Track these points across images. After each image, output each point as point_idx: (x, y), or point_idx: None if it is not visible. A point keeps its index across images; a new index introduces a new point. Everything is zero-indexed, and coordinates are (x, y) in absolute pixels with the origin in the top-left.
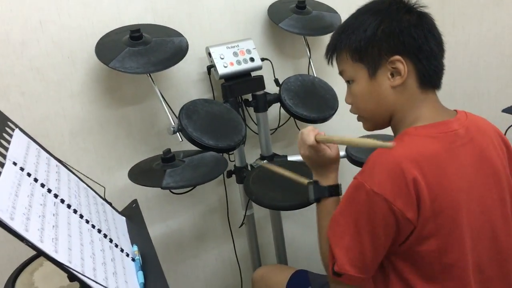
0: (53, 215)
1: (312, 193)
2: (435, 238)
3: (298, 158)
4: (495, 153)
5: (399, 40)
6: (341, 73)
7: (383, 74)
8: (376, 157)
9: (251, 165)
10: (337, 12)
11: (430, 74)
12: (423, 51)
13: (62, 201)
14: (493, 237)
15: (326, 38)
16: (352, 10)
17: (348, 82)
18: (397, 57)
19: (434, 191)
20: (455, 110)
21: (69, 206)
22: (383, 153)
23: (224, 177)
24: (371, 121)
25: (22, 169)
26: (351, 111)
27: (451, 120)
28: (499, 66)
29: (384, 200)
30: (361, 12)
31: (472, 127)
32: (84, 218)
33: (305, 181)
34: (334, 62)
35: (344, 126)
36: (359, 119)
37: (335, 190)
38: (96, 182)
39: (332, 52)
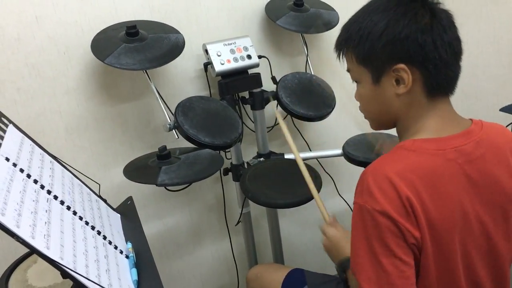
0: (46, 211)
1: (340, 273)
2: (433, 261)
3: (291, 156)
4: (507, 171)
5: (404, 47)
6: (348, 71)
7: (387, 81)
8: (369, 176)
9: (247, 163)
10: (334, 10)
11: (438, 82)
12: (431, 59)
13: (56, 197)
14: (494, 258)
15: (324, 36)
16: (350, 8)
17: (354, 81)
18: (401, 65)
19: (429, 212)
20: (470, 119)
21: (62, 203)
22: (375, 171)
23: (221, 175)
24: (376, 122)
25: (14, 165)
26: (359, 109)
27: (457, 135)
28: (497, 65)
29: (388, 217)
30: (371, 8)
31: (485, 141)
32: (78, 214)
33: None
34: (343, 59)
35: (341, 124)
36: (366, 117)
37: None
38: (91, 179)
39: (340, 49)
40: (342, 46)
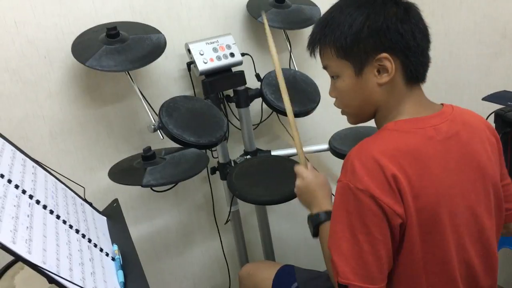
0: (28, 216)
1: (311, 225)
2: (419, 236)
3: (281, 152)
4: (482, 147)
5: (386, 37)
6: (325, 67)
7: (369, 72)
8: (354, 156)
9: (234, 161)
10: (316, 5)
11: (417, 70)
12: (411, 47)
13: (38, 202)
14: (479, 231)
15: (307, 32)
16: (332, 3)
17: (332, 77)
18: (385, 54)
19: (415, 187)
20: (442, 104)
21: (45, 207)
22: (360, 151)
23: (208, 174)
24: (355, 116)
25: None
26: (335, 104)
27: (433, 115)
28: (479, 55)
29: (370, 196)
30: (346, 5)
31: (457, 121)
32: (61, 218)
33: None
34: (317, 56)
35: (327, 119)
36: (343, 113)
37: (330, 214)
38: (76, 183)
39: (315, 46)
40: (317, 42)
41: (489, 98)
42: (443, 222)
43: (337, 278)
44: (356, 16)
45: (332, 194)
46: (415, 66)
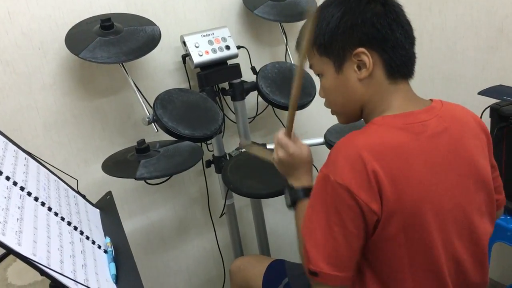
0: (18, 208)
1: (288, 198)
2: (402, 232)
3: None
4: (473, 143)
5: (362, 31)
6: (310, 67)
7: (349, 68)
8: (339, 148)
9: (229, 154)
10: None
11: (397, 64)
12: (388, 41)
13: (29, 193)
14: (468, 228)
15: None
16: None
17: (318, 75)
18: (361, 49)
19: (397, 185)
20: (431, 100)
21: (36, 199)
22: (345, 143)
23: (203, 167)
24: (343, 115)
25: None
26: (325, 105)
27: (421, 111)
28: (476, 49)
29: (348, 191)
30: (325, 5)
31: (447, 116)
32: (53, 210)
33: None
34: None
35: (323, 112)
36: (332, 113)
37: (309, 191)
38: (69, 175)
39: (300, 45)
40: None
41: (485, 93)
42: (428, 219)
43: (308, 265)
44: (333, 13)
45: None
46: (394, 60)
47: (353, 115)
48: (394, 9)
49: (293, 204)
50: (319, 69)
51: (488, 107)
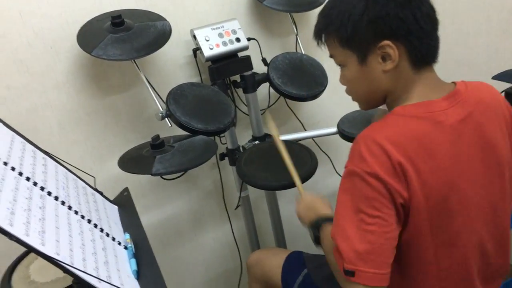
0: (40, 208)
1: (312, 232)
2: (428, 221)
3: (290, 137)
4: (497, 127)
5: (386, 24)
6: (331, 56)
7: (373, 59)
8: (360, 142)
9: (243, 147)
10: None
11: (423, 53)
12: (413, 31)
13: (49, 193)
14: (493, 213)
15: (313, 14)
16: None
17: (339, 65)
18: (386, 42)
19: (422, 175)
20: (454, 83)
21: (56, 198)
22: (367, 136)
23: (217, 160)
24: (365, 103)
25: (5, 163)
26: (346, 92)
27: (443, 98)
28: (488, 33)
29: (377, 178)
30: None
31: (471, 100)
32: (73, 209)
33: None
34: (325, 44)
35: (335, 102)
36: (353, 99)
37: (329, 218)
38: (86, 172)
39: (319, 36)
40: (322, 32)
41: (499, 77)
42: (452, 207)
43: (342, 265)
44: (355, 4)
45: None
46: (420, 49)
47: (375, 103)
48: None
49: (316, 234)
50: (340, 59)
51: (502, 91)
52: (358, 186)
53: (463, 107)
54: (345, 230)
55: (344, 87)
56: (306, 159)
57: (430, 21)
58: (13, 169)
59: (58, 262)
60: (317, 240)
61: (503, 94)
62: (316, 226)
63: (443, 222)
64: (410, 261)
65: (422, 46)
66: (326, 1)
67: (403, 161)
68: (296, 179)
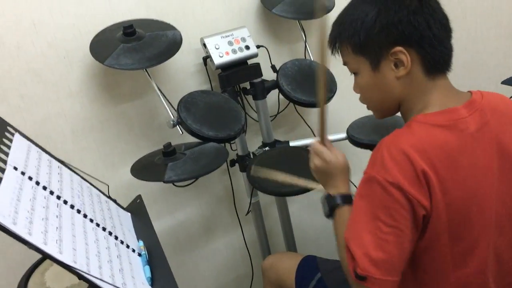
0: (57, 216)
1: (326, 206)
2: (447, 231)
3: (300, 143)
4: None
5: (399, 30)
6: (345, 64)
7: (386, 66)
8: (383, 147)
9: (253, 153)
10: None
11: (436, 61)
12: (426, 38)
13: (65, 202)
14: (509, 222)
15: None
16: None
17: (353, 73)
18: (399, 48)
19: (445, 182)
20: (470, 92)
21: (72, 207)
22: (390, 142)
23: (227, 166)
24: (379, 111)
25: (23, 173)
26: (360, 100)
27: (462, 106)
28: (497, 37)
29: (399, 188)
30: (360, 1)
31: (487, 110)
32: (88, 217)
33: (314, 185)
34: (338, 53)
35: (344, 107)
36: (368, 108)
37: (347, 198)
38: (99, 180)
39: (333, 44)
40: (336, 40)
41: (509, 82)
42: (472, 216)
43: (353, 268)
44: (368, 11)
45: (351, 181)
46: (433, 56)
47: (390, 111)
48: (430, 4)
49: (331, 212)
50: (354, 67)
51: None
52: (378, 194)
53: (481, 116)
54: (360, 236)
55: (353, 93)
56: None
57: (443, 28)
58: (30, 178)
59: (76, 270)
60: (329, 215)
61: None
62: (332, 204)
63: (462, 230)
64: (426, 268)
65: (435, 53)
66: (331, 8)
67: (427, 169)
68: (322, 120)
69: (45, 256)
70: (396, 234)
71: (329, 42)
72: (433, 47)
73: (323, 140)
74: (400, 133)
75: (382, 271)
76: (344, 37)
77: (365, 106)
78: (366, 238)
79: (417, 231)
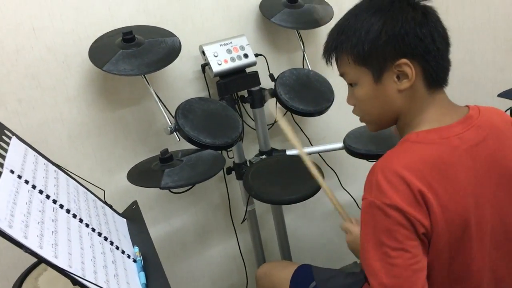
0: (52, 220)
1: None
2: (448, 247)
3: (297, 152)
4: (510, 151)
5: (405, 42)
6: (342, 75)
7: (389, 78)
8: (378, 172)
9: (249, 161)
10: (329, 5)
11: (437, 74)
12: (430, 51)
13: (61, 206)
14: (506, 238)
15: (319, 31)
16: (344, 2)
17: (350, 85)
18: (404, 60)
19: (442, 200)
20: (467, 106)
21: (68, 211)
22: (384, 165)
23: (224, 174)
24: (375, 124)
25: (19, 176)
26: (354, 112)
27: (457, 123)
28: (494, 50)
29: (398, 210)
30: (361, 10)
31: (484, 125)
32: (84, 222)
33: (320, 180)
34: (334, 63)
35: (341, 117)
36: (362, 120)
37: None
38: (96, 186)
39: (330, 53)
40: (333, 50)
41: (505, 95)
42: (470, 232)
43: None
44: (373, 22)
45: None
46: (436, 70)
47: (386, 124)
48: (434, 18)
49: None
50: (353, 78)
51: (508, 109)
52: (378, 218)
53: (477, 132)
54: (371, 265)
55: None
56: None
57: (444, 42)
58: (26, 182)
59: (71, 275)
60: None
61: (508, 112)
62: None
63: (460, 246)
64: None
65: (438, 66)
66: (329, 18)
67: (423, 189)
68: (336, 203)
69: (41, 260)
70: (404, 257)
71: (326, 51)
72: (436, 60)
73: (344, 217)
74: (393, 154)
75: None
76: (345, 47)
77: None
78: (376, 266)
79: (426, 251)
